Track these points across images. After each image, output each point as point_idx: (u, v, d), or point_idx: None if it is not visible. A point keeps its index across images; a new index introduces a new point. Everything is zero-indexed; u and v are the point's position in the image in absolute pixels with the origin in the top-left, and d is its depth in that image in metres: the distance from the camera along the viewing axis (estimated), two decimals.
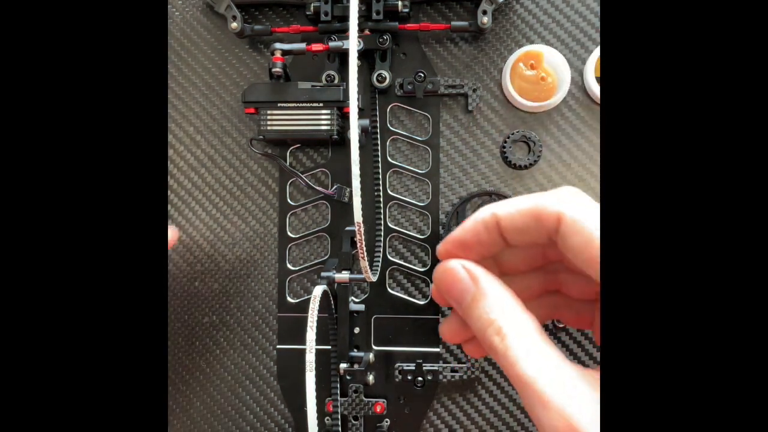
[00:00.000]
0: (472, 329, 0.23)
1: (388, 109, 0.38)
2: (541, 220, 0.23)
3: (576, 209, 0.23)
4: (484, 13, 0.35)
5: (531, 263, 0.26)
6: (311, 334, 0.31)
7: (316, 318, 0.31)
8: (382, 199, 0.37)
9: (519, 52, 0.36)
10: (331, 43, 0.35)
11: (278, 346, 0.38)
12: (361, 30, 0.36)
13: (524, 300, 0.24)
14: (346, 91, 0.35)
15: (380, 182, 0.37)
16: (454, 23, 0.36)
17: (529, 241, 0.24)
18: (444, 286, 0.24)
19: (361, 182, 0.37)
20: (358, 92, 0.37)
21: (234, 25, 0.37)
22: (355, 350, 0.36)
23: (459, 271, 0.24)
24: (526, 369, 0.21)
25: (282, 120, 0.35)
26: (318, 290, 0.33)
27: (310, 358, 0.30)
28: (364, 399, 0.36)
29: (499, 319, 0.23)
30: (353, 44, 0.29)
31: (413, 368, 0.36)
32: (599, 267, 0.22)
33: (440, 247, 0.25)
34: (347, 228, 0.37)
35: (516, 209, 0.24)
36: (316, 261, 0.38)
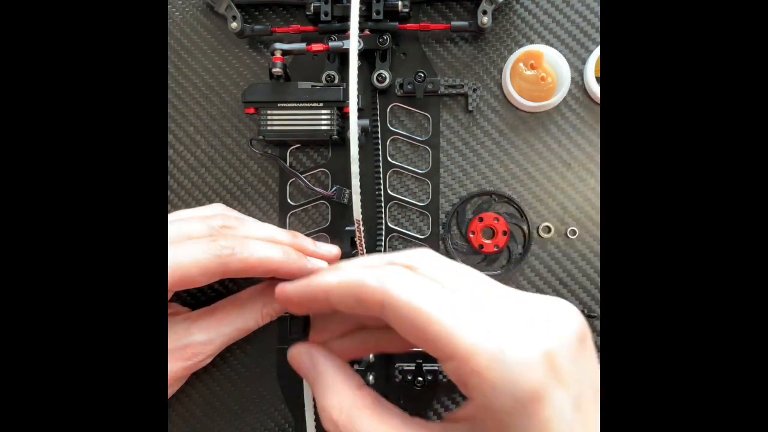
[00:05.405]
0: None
1: (388, 109, 0.38)
2: (364, 302, 0.23)
3: (398, 295, 0.22)
4: (484, 13, 0.35)
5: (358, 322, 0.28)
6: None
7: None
8: (383, 199, 0.37)
9: (519, 52, 0.36)
10: (331, 43, 0.35)
11: (278, 346, 0.38)
12: (361, 30, 0.36)
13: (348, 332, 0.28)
14: (346, 91, 0.35)
15: (381, 182, 0.37)
16: (454, 23, 0.36)
17: (356, 314, 0.25)
18: (295, 366, 0.28)
19: (362, 182, 0.37)
20: (358, 92, 0.37)
21: (234, 25, 0.36)
22: None
23: (303, 355, 0.27)
24: None
25: (282, 120, 0.35)
26: None
27: None
28: None
29: (332, 403, 0.25)
30: (354, 38, 0.29)
31: (413, 368, 0.36)
32: (432, 347, 0.22)
33: (278, 293, 0.27)
34: (347, 228, 0.37)
35: (340, 289, 0.24)
36: None
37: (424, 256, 0.25)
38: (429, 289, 0.22)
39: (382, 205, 0.37)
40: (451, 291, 0.23)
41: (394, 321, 0.23)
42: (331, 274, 0.25)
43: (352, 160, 0.30)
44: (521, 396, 0.20)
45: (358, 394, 0.25)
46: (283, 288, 0.27)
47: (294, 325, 0.31)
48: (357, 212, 0.31)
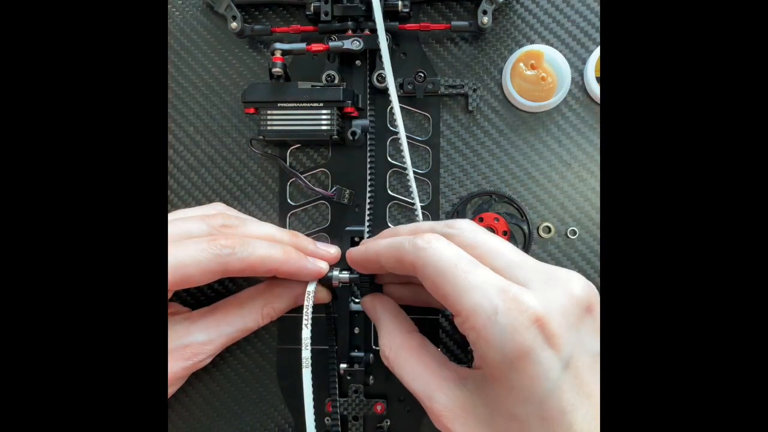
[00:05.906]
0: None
1: (388, 109, 0.38)
2: (403, 263, 0.28)
3: (424, 259, 0.27)
4: (484, 13, 0.35)
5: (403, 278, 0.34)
6: (306, 332, 0.32)
7: (311, 314, 0.32)
8: (383, 199, 0.37)
9: (519, 52, 0.36)
10: (331, 43, 0.35)
11: (278, 346, 0.38)
12: (361, 30, 0.36)
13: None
14: (346, 91, 0.35)
15: (381, 182, 0.37)
16: (454, 23, 0.36)
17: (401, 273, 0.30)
18: (365, 311, 0.34)
19: (361, 183, 0.37)
20: (358, 92, 0.37)
21: (234, 25, 0.36)
22: (355, 350, 0.36)
23: (368, 303, 0.34)
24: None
25: (282, 120, 0.35)
26: (311, 287, 0.33)
27: (306, 355, 0.31)
28: (364, 399, 0.36)
29: (386, 342, 0.31)
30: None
31: None
32: (446, 303, 0.26)
33: (347, 257, 0.33)
34: (347, 228, 0.37)
35: (386, 252, 0.29)
36: None
37: (464, 225, 0.29)
38: (452, 256, 0.26)
39: (386, 206, 0.37)
40: (472, 258, 0.26)
41: (422, 279, 0.27)
42: (382, 239, 0.30)
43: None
44: (509, 353, 0.24)
45: (407, 337, 0.31)
46: (349, 253, 0.32)
47: (363, 280, 0.34)
48: (407, 155, 0.34)
